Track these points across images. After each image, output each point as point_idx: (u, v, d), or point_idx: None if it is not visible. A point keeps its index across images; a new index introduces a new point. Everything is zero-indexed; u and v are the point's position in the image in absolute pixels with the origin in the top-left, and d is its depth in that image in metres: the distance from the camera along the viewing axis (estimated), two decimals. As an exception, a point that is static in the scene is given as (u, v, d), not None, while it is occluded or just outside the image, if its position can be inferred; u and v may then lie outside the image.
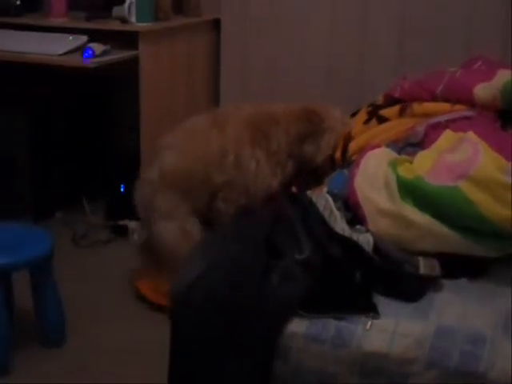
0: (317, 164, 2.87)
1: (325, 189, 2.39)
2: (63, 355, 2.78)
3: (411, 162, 2.20)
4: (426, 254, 2.06)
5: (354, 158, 2.63)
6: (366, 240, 2.04)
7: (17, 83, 3.71)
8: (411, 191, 2.09)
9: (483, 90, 2.53)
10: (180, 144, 2.93)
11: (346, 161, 2.71)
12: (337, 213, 2.16)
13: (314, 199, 2.19)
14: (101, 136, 4.06)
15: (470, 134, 2.20)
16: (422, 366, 1.83)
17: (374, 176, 2.19)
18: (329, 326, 1.90)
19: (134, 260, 3.21)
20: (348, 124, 2.89)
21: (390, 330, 1.87)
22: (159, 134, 3.37)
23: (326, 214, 2.14)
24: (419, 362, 1.83)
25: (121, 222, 3.64)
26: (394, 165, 2.17)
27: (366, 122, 2.81)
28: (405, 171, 2.14)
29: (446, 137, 2.29)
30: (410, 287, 1.99)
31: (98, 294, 3.20)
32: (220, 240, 2.16)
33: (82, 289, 3.19)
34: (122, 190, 3.71)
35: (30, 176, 3.70)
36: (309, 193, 2.27)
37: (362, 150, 2.59)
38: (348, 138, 2.77)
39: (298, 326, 1.92)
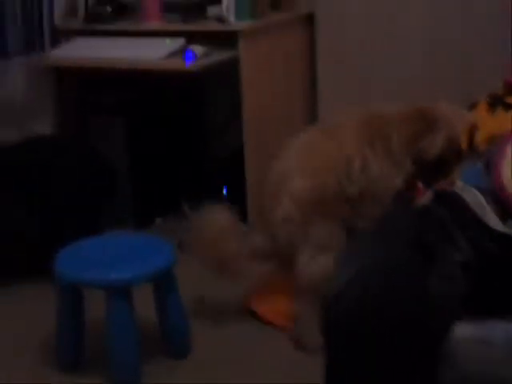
0: (428, 159, 2.77)
1: (459, 183, 2.29)
2: (188, 366, 2.74)
3: None
4: None
5: (481, 148, 2.54)
6: (528, 236, 1.92)
7: (112, 92, 3.68)
8: None
9: None
10: (304, 164, 2.82)
11: (473, 151, 2.61)
12: (488, 208, 2.04)
13: (462, 195, 2.08)
14: (199, 140, 3.99)
15: None
16: None
17: (526, 167, 2.08)
18: (497, 329, 1.80)
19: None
20: (465, 116, 2.79)
21: None
22: (261, 135, 3.32)
23: (477, 211, 2.03)
24: None
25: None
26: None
27: (491, 110, 2.70)
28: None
29: None
30: None
31: (212, 304, 3.14)
32: (368, 241, 2.06)
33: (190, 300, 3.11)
34: (224, 192, 3.65)
35: (131, 184, 3.66)
36: (457, 190, 2.15)
37: (492, 140, 2.49)
38: (473, 129, 2.67)
39: (463, 330, 1.82)
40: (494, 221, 2.02)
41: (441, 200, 2.11)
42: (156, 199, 3.80)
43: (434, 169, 2.76)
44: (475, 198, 2.08)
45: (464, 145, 2.68)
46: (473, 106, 2.84)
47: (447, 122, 2.77)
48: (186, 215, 3.73)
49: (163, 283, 2.65)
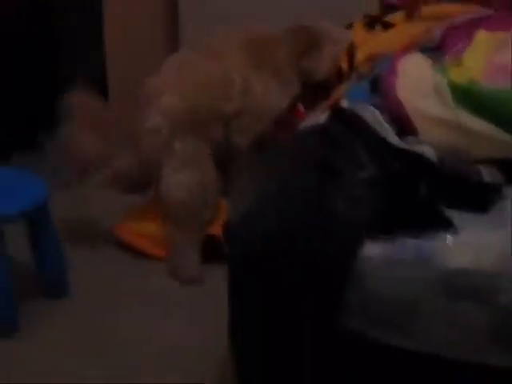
0: (319, 78, 2.72)
1: (344, 102, 2.25)
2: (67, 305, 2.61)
3: (458, 66, 2.07)
4: (484, 163, 1.96)
5: (362, 68, 2.50)
6: (430, 151, 1.90)
7: None
8: (466, 97, 1.96)
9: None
10: (176, 82, 2.72)
11: (353, 71, 2.57)
12: (387, 126, 2.01)
13: (360, 113, 2.03)
14: (54, 70, 3.73)
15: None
16: (510, 281, 1.73)
17: (421, 83, 2.05)
18: (407, 246, 1.77)
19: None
20: (345, 34, 2.75)
21: (472, 243, 1.76)
22: (124, 59, 3.14)
23: (377, 128, 1.99)
24: (506, 275, 1.73)
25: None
26: (442, 70, 2.03)
27: (369, 29, 2.67)
28: (456, 75, 2.01)
29: (482, 38, 2.16)
30: (478, 197, 1.87)
31: (79, 237, 3.01)
32: (268, 166, 1.99)
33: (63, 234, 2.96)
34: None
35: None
36: (353, 107, 2.09)
37: (372, 59, 2.47)
38: (352, 48, 2.63)
39: (372, 249, 1.78)
40: (393, 138, 1.99)
41: (339, 118, 2.06)
42: (11, 133, 3.54)
43: (315, 89, 2.72)
44: (373, 115, 2.04)
45: (344, 64, 2.64)
46: (349, 26, 2.81)
47: (331, 39, 2.74)
48: (45, 148, 3.54)
49: (37, 219, 2.47)
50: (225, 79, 2.70)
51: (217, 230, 2.65)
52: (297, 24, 2.80)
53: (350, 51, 2.62)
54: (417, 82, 2.06)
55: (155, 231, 2.83)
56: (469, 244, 1.75)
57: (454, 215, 1.81)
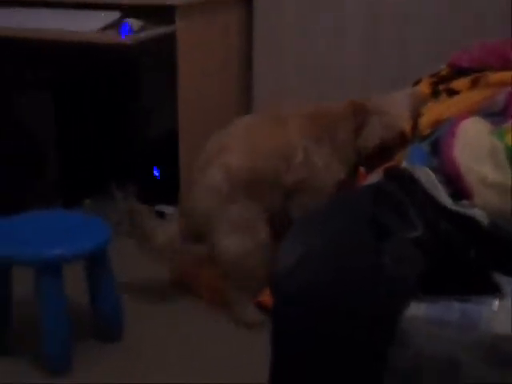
0: (368, 152, 2.77)
1: (405, 164, 2.26)
2: (121, 349, 2.64)
3: (514, 131, 2.06)
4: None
5: (425, 132, 2.51)
6: (481, 215, 1.89)
7: (39, 65, 3.52)
8: (521, 161, 1.96)
9: None
10: (243, 144, 2.76)
11: (416, 136, 2.58)
12: (441, 187, 2.00)
13: (415, 174, 2.03)
14: (131, 119, 3.85)
15: None
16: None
17: (477, 145, 2.04)
18: (452, 308, 1.75)
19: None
20: (398, 101, 2.80)
21: (520, 310, 1.73)
22: (196, 116, 3.23)
23: (430, 188, 1.99)
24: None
25: (157, 208, 3.46)
26: (500, 134, 2.02)
27: (435, 96, 2.69)
28: (512, 140, 2.00)
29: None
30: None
31: (145, 285, 3.06)
32: (319, 220, 2.00)
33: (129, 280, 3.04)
34: (155, 174, 3.54)
35: (59, 163, 3.52)
36: (408, 167, 2.11)
37: (436, 124, 2.47)
38: (416, 114, 2.66)
39: (417, 309, 1.77)
40: (446, 199, 1.99)
41: (392, 177, 2.07)
42: (85, 180, 3.66)
43: (377, 154, 2.74)
44: (427, 176, 2.04)
45: (408, 129, 2.65)
46: (417, 83, 2.84)
47: (379, 112, 2.78)
48: (115, 197, 3.64)
49: (96, 262, 2.53)
50: (288, 150, 2.75)
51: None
52: (352, 101, 2.84)
53: (415, 117, 2.64)
54: (474, 145, 2.06)
55: (212, 282, 2.88)
56: (516, 311, 1.73)
57: (503, 281, 1.80)
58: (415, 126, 2.61)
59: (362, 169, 2.72)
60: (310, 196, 2.78)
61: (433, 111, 2.58)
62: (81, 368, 2.51)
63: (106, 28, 3.16)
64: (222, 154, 2.76)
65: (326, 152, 2.79)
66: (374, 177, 2.34)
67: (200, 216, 2.78)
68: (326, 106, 2.88)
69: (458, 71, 2.72)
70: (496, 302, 1.74)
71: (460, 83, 2.64)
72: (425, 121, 2.56)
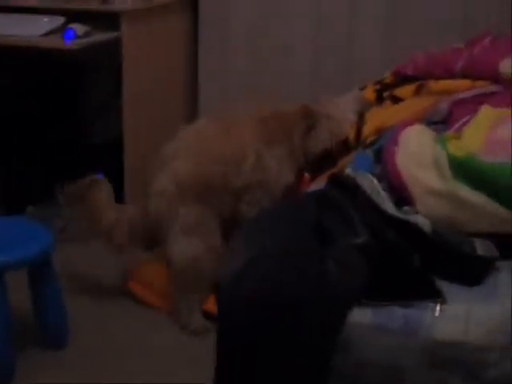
0: (316, 155, 2.80)
1: (347, 170, 2.28)
2: (66, 357, 2.61)
3: (458, 139, 2.09)
4: (478, 236, 1.96)
5: (369, 139, 2.54)
6: (424, 222, 1.91)
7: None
8: (464, 170, 1.97)
9: (509, 65, 2.46)
10: (192, 149, 2.79)
11: (360, 143, 2.61)
12: (384, 194, 2.03)
13: (358, 181, 2.06)
14: (74, 124, 3.82)
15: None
16: (499, 355, 1.72)
17: (420, 154, 2.07)
18: (395, 315, 1.77)
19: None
20: (345, 104, 2.84)
21: (462, 315, 1.75)
22: (141, 122, 3.21)
23: (373, 196, 2.01)
24: (496, 350, 1.72)
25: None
26: (442, 142, 2.05)
27: (379, 102, 2.72)
28: (455, 148, 2.03)
29: (486, 113, 2.19)
30: (471, 270, 1.88)
31: (89, 292, 3.03)
32: (265, 226, 2.00)
33: (71, 286, 2.99)
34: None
35: (0, 170, 3.46)
36: (352, 174, 2.13)
37: (379, 131, 2.50)
38: (360, 120, 2.68)
39: (361, 316, 1.78)
40: (389, 206, 2.01)
41: (337, 184, 2.09)
42: (28, 186, 3.61)
43: (321, 160, 2.77)
44: (371, 183, 2.07)
45: (351, 136, 2.68)
46: (361, 89, 2.88)
47: (328, 117, 2.82)
48: (60, 203, 3.60)
49: (40, 269, 2.50)
50: (238, 154, 2.76)
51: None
52: (301, 104, 2.86)
53: (359, 123, 2.66)
54: (416, 153, 2.09)
55: (163, 286, 2.88)
56: (458, 316, 1.75)
57: (445, 286, 1.82)
58: (359, 133, 2.63)
59: (306, 174, 2.74)
60: (262, 194, 2.80)
61: (376, 118, 2.61)
62: (24, 376, 2.48)
63: (50, 33, 3.14)
64: (171, 159, 2.78)
65: (279, 155, 2.81)
66: (319, 183, 2.36)
67: (152, 221, 2.80)
68: (278, 110, 2.90)
69: (403, 79, 2.75)
70: (437, 308, 1.77)
71: (404, 91, 2.68)
72: (368, 128, 2.59)
